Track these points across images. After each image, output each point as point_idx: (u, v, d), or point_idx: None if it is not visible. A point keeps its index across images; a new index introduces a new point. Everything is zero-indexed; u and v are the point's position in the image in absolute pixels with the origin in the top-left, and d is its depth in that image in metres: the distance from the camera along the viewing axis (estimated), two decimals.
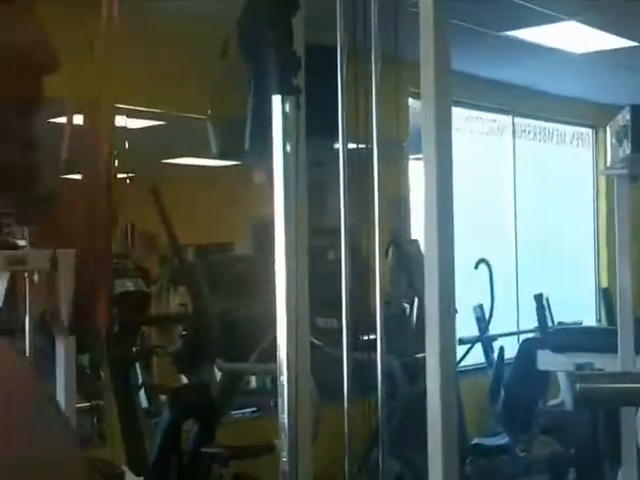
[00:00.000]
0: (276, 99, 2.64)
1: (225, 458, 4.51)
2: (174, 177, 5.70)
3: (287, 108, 2.60)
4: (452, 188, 2.54)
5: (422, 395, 4.59)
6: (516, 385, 6.41)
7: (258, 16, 2.54)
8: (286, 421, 2.35)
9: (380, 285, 3.08)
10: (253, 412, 5.92)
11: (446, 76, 2.50)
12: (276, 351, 2.43)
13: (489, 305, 6.69)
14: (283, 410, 2.35)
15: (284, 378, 2.34)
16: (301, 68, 2.61)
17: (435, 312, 2.37)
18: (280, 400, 2.36)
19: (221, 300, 5.92)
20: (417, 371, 5.31)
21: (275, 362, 5.40)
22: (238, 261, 7.20)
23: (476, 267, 6.69)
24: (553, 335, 6.48)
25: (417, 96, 6.48)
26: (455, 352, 2.56)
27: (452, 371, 2.45)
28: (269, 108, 2.61)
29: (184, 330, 5.35)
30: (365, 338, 5.71)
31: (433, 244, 2.46)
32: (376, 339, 4.22)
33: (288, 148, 2.54)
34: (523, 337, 7.50)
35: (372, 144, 3.15)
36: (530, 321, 7.70)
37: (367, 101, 3.01)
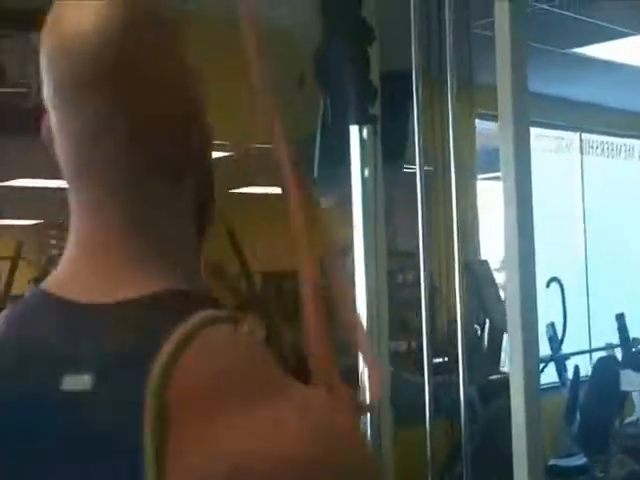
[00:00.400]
0: (354, 128, 2.68)
1: None
2: (239, 206, 5.73)
3: (364, 135, 2.64)
4: (532, 208, 2.54)
5: (496, 417, 4.56)
6: (593, 404, 6.33)
7: (336, 47, 2.58)
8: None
9: (461, 308, 3.08)
10: None
11: (523, 95, 2.50)
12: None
13: (561, 324, 6.64)
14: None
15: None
16: (377, 97, 2.64)
17: (518, 330, 2.37)
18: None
19: (292, 329, 5.94)
20: (491, 393, 5.27)
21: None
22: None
23: (547, 286, 6.64)
24: (635, 355, 6.40)
25: (484, 117, 6.50)
26: (539, 369, 2.54)
27: (536, 388, 2.44)
28: (339, 136, 2.65)
29: None
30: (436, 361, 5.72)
31: (514, 264, 2.46)
32: (450, 361, 4.20)
33: (366, 173, 2.57)
34: (595, 355, 7.40)
35: (446, 166, 3.15)
36: (601, 339, 7.60)
37: (441, 124, 3.02)
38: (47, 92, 0.94)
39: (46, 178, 8.51)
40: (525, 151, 2.53)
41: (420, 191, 2.92)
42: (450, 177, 3.04)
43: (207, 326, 0.88)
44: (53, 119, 0.95)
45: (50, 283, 0.96)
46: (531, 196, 2.54)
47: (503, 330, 6.20)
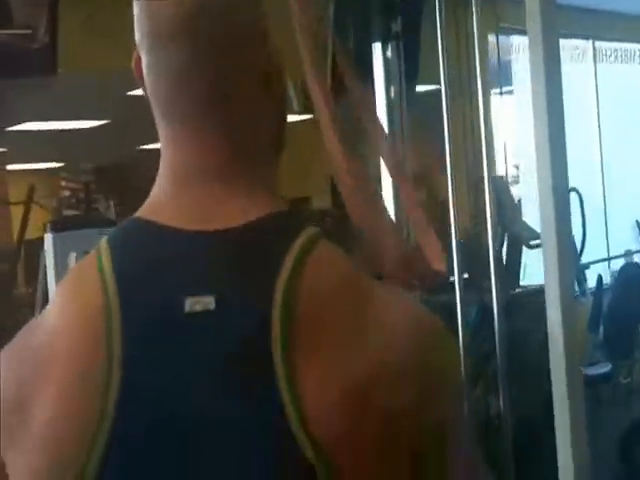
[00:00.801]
0: (376, 46, 2.62)
1: None
2: None
3: (388, 54, 2.59)
4: (563, 123, 2.50)
5: (519, 332, 4.58)
6: (617, 311, 6.37)
7: None
8: None
9: (492, 222, 3.06)
10: None
11: (551, 7, 2.45)
12: None
13: (580, 234, 6.63)
14: None
15: None
16: (399, 14, 2.59)
17: (553, 240, 2.33)
18: None
19: None
20: (513, 307, 5.29)
21: None
22: (325, 215, 7.20)
23: None
24: None
25: (503, 31, 6.40)
26: (573, 279, 2.51)
27: (572, 298, 2.42)
28: (360, 59, 2.60)
29: None
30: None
31: (547, 177, 2.42)
32: (471, 278, 4.19)
33: (392, 93, 2.52)
34: (614, 263, 7.41)
35: (464, 83, 3.11)
36: (619, 247, 7.60)
37: (465, 40, 2.97)
38: (140, 37, 1.00)
39: (54, 120, 8.47)
40: (555, 64, 2.49)
41: (446, 111, 2.88)
42: (474, 93, 2.99)
43: (316, 242, 0.94)
44: (145, 60, 1.00)
45: (149, 213, 0.98)
46: (562, 110, 2.50)
47: (522, 245, 6.20)
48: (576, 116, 8.15)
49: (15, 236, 8.61)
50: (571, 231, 2.47)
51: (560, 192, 2.46)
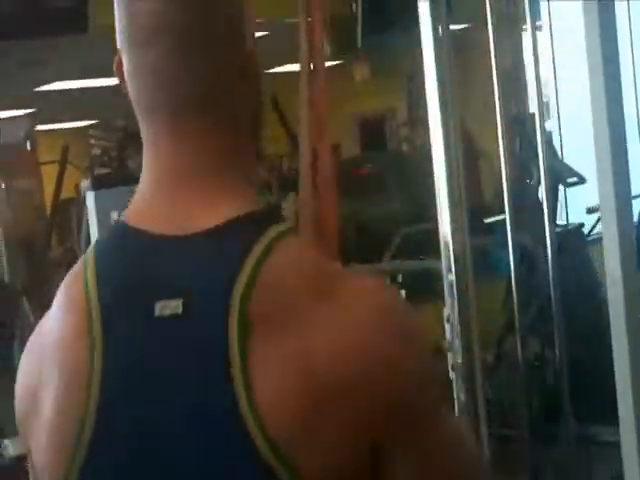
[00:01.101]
0: None
1: None
2: (278, 85, 5.63)
3: None
4: (618, 56, 2.41)
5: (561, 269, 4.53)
6: None
7: None
8: (456, 321, 2.32)
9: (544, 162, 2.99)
10: None
11: None
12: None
13: None
14: (453, 311, 2.32)
15: (452, 276, 2.30)
16: None
17: (610, 183, 2.25)
18: (450, 299, 2.33)
19: (347, 202, 5.92)
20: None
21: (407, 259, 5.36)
22: (356, 162, 7.15)
23: None
24: None
25: None
26: (632, 225, 2.43)
27: (632, 243, 2.35)
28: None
29: None
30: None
31: (602, 116, 2.34)
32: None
33: (440, 32, 2.41)
34: None
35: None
36: None
37: None
38: (120, 38, 1.02)
39: (83, 79, 8.43)
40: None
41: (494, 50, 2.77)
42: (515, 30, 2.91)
43: (280, 240, 0.98)
44: (126, 62, 1.03)
45: (131, 216, 1.03)
46: (616, 43, 2.40)
47: (558, 184, 6.13)
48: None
49: (45, 197, 8.65)
50: (628, 172, 2.39)
51: (617, 132, 2.37)
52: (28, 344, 1.07)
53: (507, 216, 3.65)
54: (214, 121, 1.02)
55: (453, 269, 2.37)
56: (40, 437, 1.01)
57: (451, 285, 2.37)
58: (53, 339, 1.02)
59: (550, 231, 3.62)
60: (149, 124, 1.04)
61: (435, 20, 2.35)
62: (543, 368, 4.08)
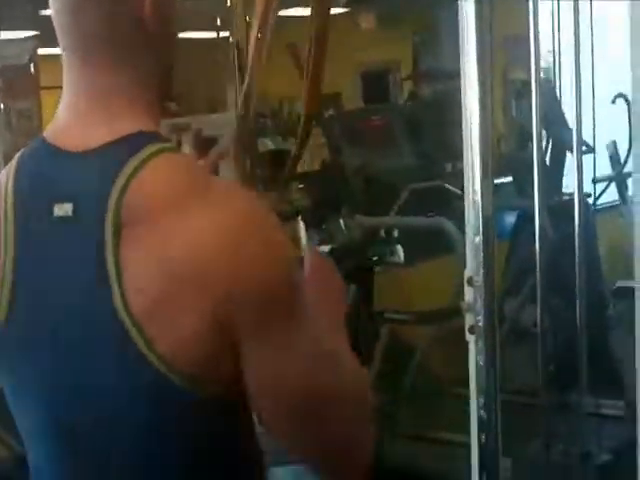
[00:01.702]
0: None
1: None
2: (282, 31, 5.52)
3: None
4: None
5: (565, 236, 4.48)
6: None
7: None
8: (481, 283, 2.26)
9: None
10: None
11: None
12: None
13: (627, 141, 6.47)
14: (478, 273, 2.26)
15: (479, 237, 2.24)
16: None
17: None
18: (475, 262, 2.27)
19: (359, 154, 5.84)
20: (556, 213, 5.18)
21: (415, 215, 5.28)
22: (370, 113, 7.03)
23: (613, 102, 6.46)
24: None
25: None
26: None
27: None
28: None
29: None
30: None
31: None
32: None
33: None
34: None
35: None
36: None
37: None
38: None
39: None
40: None
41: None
42: None
43: (158, 154, 1.21)
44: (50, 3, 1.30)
45: (49, 133, 1.29)
46: None
47: (565, 149, 6.05)
48: (624, 20, 7.87)
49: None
50: None
51: None
52: None
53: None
54: (115, 59, 1.26)
55: (481, 230, 2.31)
56: None
57: (477, 247, 2.31)
58: None
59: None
60: (66, 54, 1.30)
61: None
62: (542, 335, 4.05)
